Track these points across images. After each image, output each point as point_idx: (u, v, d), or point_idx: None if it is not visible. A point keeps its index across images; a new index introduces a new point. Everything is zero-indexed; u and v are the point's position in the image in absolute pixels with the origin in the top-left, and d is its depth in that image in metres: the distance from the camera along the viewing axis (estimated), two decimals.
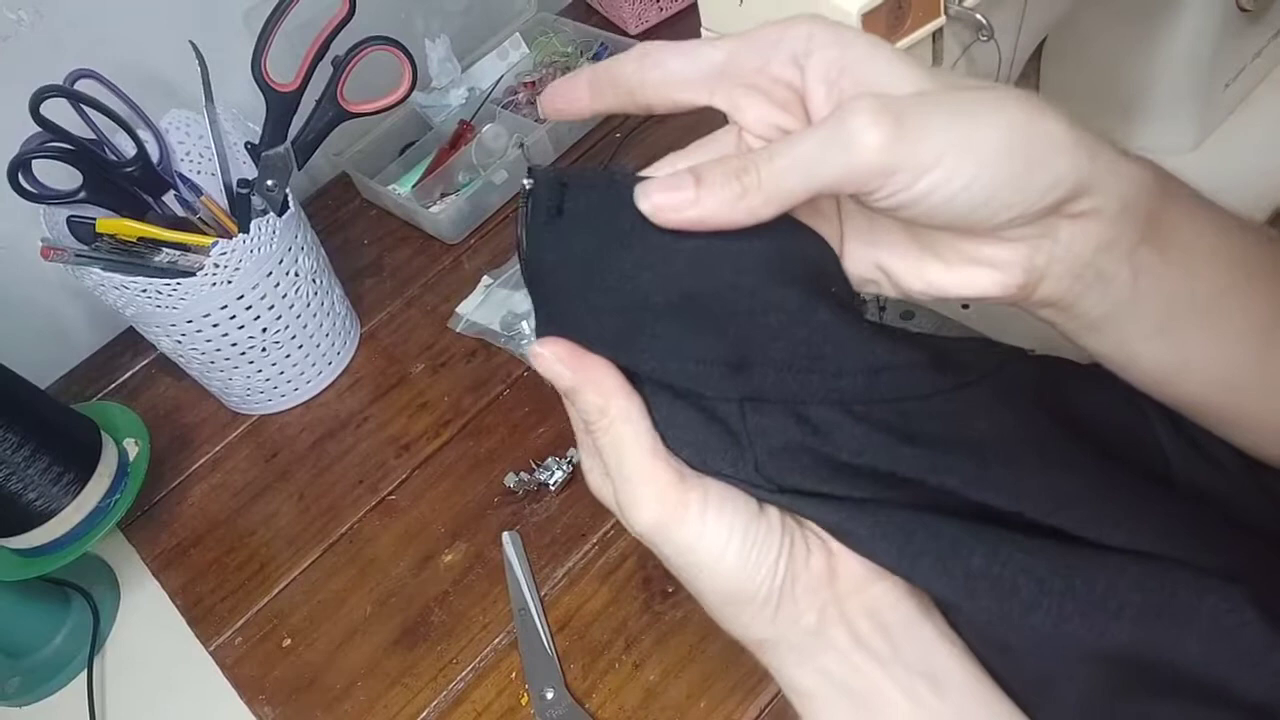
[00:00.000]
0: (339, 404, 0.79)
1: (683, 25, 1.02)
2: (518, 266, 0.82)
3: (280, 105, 0.70)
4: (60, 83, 0.67)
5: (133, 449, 0.71)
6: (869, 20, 0.42)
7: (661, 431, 0.29)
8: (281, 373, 0.77)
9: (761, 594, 0.29)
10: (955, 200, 0.26)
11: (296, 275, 0.73)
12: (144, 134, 0.72)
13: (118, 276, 0.66)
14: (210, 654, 0.66)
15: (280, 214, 0.71)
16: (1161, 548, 0.28)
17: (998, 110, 0.26)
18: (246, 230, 0.69)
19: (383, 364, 0.81)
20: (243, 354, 0.73)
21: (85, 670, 0.67)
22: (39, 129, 0.65)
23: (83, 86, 0.68)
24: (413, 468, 0.72)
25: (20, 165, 0.66)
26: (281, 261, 0.71)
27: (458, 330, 0.80)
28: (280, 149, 0.71)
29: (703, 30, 0.50)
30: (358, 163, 0.93)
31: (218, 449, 0.79)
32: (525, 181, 0.29)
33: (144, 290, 0.66)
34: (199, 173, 0.79)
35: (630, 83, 0.30)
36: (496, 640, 0.61)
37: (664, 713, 0.55)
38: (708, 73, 0.29)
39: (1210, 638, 0.28)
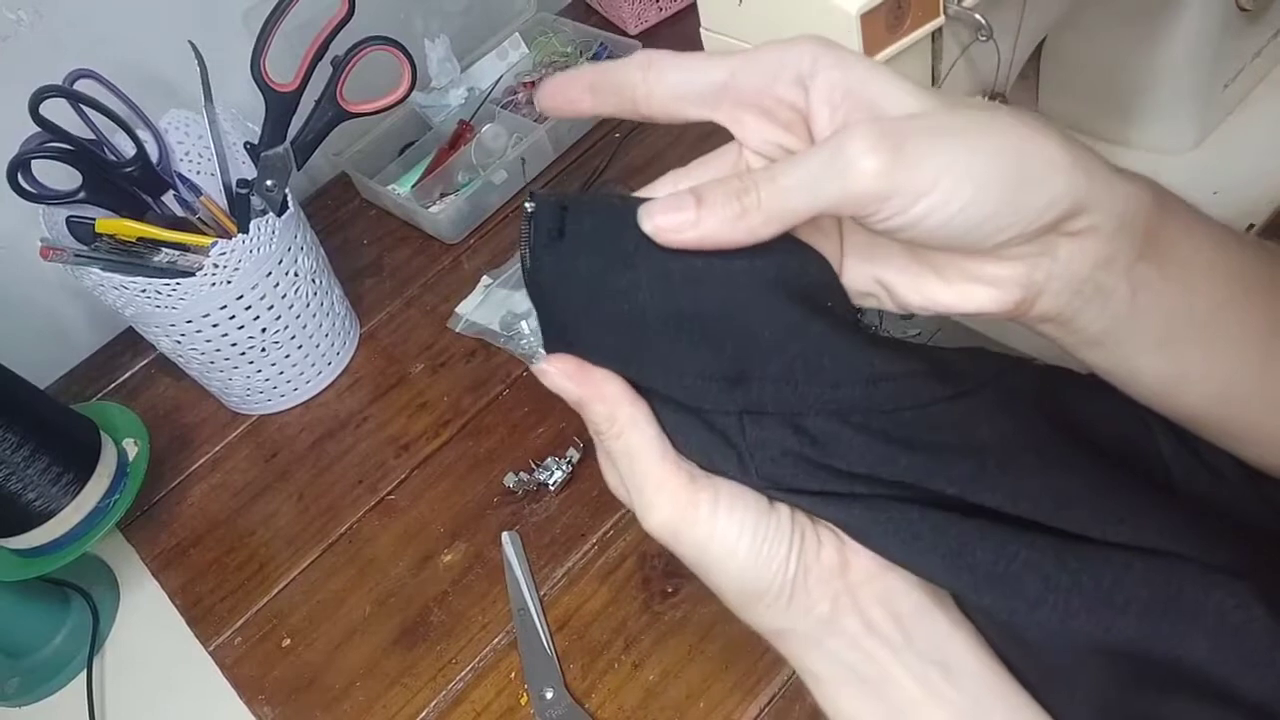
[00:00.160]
0: (338, 404, 0.79)
1: (682, 25, 1.02)
2: (517, 267, 0.82)
3: (280, 105, 0.70)
4: (60, 83, 0.67)
5: (132, 449, 0.71)
6: (868, 20, 0.42)
7: (670, 435, 0.30)
8: (281, 373, 0.77)
9: (774, 587, 0.30)
10: (952, 223, 0.26)
11: (296, 275, 0.73)
12: (143, 134, 0.72)
13: (117, 276, 0.66)
14: (210, 654, 0.66)
15: (280, 214, 0.71)
16: (1166, 544, 0.29)
17: (994, 133, 0.26)
18: (246, 230, 0.69)
19: (382, 364, 0.81)
20: (242, 354, 0.73)
21: (85, 670, 0.67)
22: (38, 129, 0.65)
23: (82, 86, 0.68)
24: (412, 468, 0.72)
25: (20, 165, 0.66)
26: (281, 262, 0.71)
27: (457, 330, 0.80)
28: (280, 149, 0.71)
29: (702, 31, 0.50)
30: (357, 163, 0.93)
31: (217, 449, 0.79)
32: (527, 205, 0.30)
33: (143, 290, 0.66)
34: (198, 173, 0.79)
35: (635, 93, 0.30)
36: (496, 640, 0.61)
37: (663, 713, 0.55)
38: (711, 90, 0.30)
39: (1217, 634, 0.28)
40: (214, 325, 0.70)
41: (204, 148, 0.77)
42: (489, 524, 0.67)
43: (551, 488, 0.67)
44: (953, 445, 0.29)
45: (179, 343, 0.72)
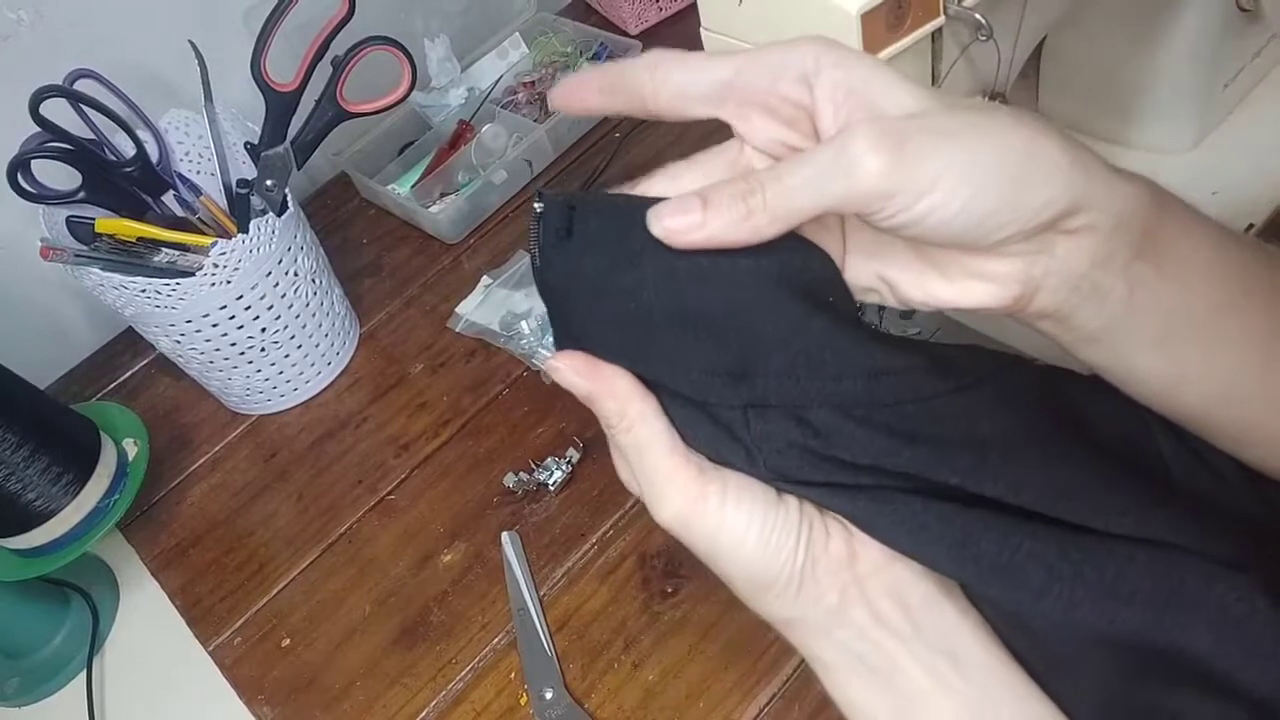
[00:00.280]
0: (338, 404, 0.79)
1: (682, 25, 1.02)
2: (517, 267, 0.82)
3: (280, 105, 0.70)
4: (60, 83, 0.67)
5: (132, 449, 0.71)
6: (869, 20, 0.42)
7: (679, 429, 0.31)
8: (281, 373, 0.77)
9: (783, 577, 0.30)
10: (954, 221, 0.27)
11: (296, 275, 0.73)
12: (143, 134, 0.72)
13: (117, 276, 0.66)
14: (209, 654, 0.66)
15: (279, 214, 0.71)
16: (1169, 537, 0.29)
17: (994, 133, 0.27)
18: (246, 230, 0.69)
19: (382, 364, 0.81)
20: (242, 354, 0.73)
21: (85, 670, 0.67)
22: (39, 129, 0.65)
23: (82, 86, 0.68)
24: (412, 467, 0.72)
25: (20, 165, 0.66)
26: (281, 261, 0.71)
27: (457, 330, 0.80)
28: (279, 149, 0.71)
29: (702, 31, 0.50)
30: (357, 162, 0.93)
31: (217, 449, 0.79)
32: (535, 206, 0.30)
33: (143, 290, 0.66)
34: (198, 173, 0.79)
35: (642, 92, 0.31)
36: (495, 640, 0.61)
37: (663, 713, 0.55)
38: (715, 89, 0.30)
39: (1219, 627, 0.28)
40: (214, 325, 0.70)
41: (204, 148, 0.77)
42: (489, 524, 0.67)
43: (551, 488, 0.67)
44: (955, 438, 0.29)
45: (179, 343, 0.72)
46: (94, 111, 0.68)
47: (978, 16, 0.45)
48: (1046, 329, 0.31)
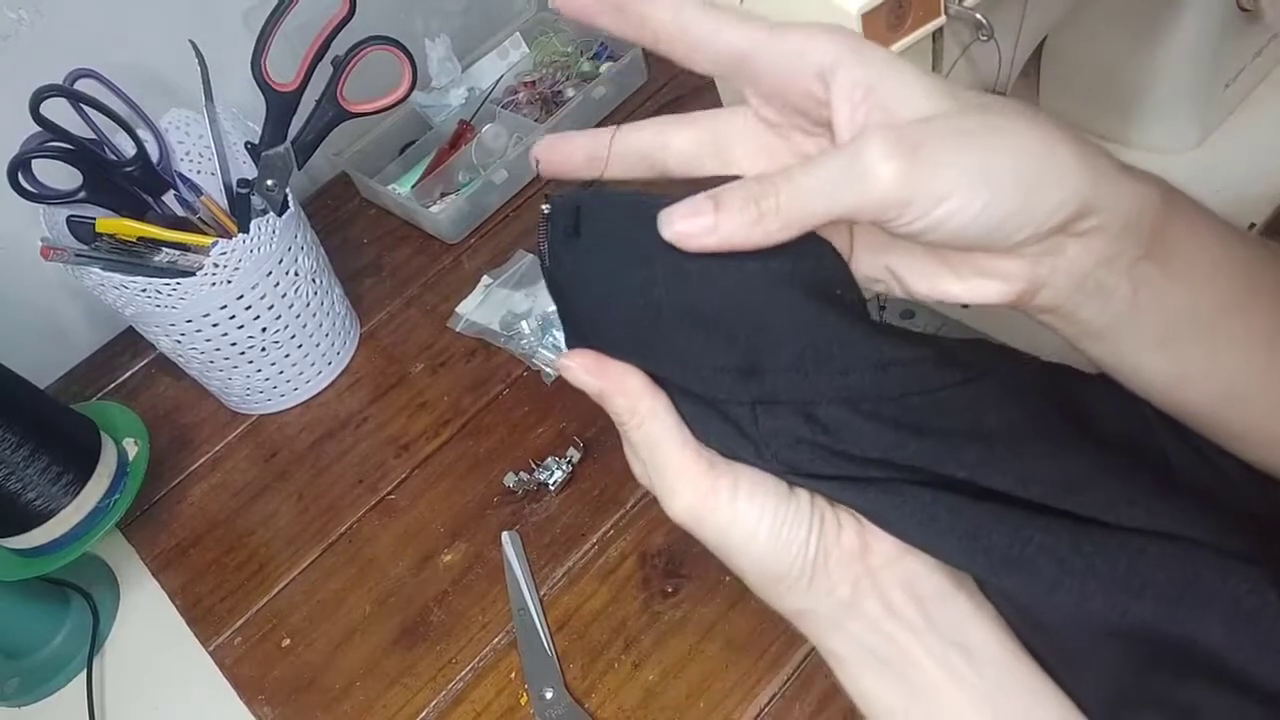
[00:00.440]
0: (338, 404, 0.79)
1: None
2: (517, 266, 0.82)
3: (280, 105, 0.70)
4: (60, 82, 0.67)
5: (132, 449, 0.71)
6: (869, 20, 0.42)
7: (690, 425, 0.31)
8: (281, 372, 0.77)
9: (795, 569, 0.31)
10: (970, 226, 0.27)
11: (296, 275, 0.73)
12: (144, 134, 0.72)
13: (117, 276, 0.66)
14: (210, 654, 0.66)
15: (280, 214, 0.71)
16: (1180, 529, 0.29)
17: (1010, 136, 0.27)
18: (246, 230, 0.69)
19: (382, 364, 0.81)
20: (242, 354, 0.73)
21: (85, 670, 0.67)
22: (39, 129, 0.65)
23: (83, 86, 0.68)
24: (412, 467, 0.72)
25: (20, 165, 0.66)
26: (281, 261, 0.71)
27: (457, 330, 0.80)
28: (280, 149, 0.71)
29: None
30: (357, 162, 0.93)
31: (217, 449, 0.79)
32: (544, 207, 0.31)
33: (144, 290, 0.66)
34: (199, 172, 0.79)
35: (655, 27, 0.30)
36: (496, 640, 0.61)
37: (663, 713, 0.55)
38: (729, 56, 0.30)
39: (1232, 619, 0.28)
40: (214, 325, 0.70)
41: (204, 147, 0.77)
42: (489, 524, 0.67)
43: (551, 487, 0.66)
44: (961, 430, 0.30)
45: (179, 342, 0.72)
46: (94, 111, 0.68)
47: (978, 16, 0.45)
48: (1049, 322, 0.31)
